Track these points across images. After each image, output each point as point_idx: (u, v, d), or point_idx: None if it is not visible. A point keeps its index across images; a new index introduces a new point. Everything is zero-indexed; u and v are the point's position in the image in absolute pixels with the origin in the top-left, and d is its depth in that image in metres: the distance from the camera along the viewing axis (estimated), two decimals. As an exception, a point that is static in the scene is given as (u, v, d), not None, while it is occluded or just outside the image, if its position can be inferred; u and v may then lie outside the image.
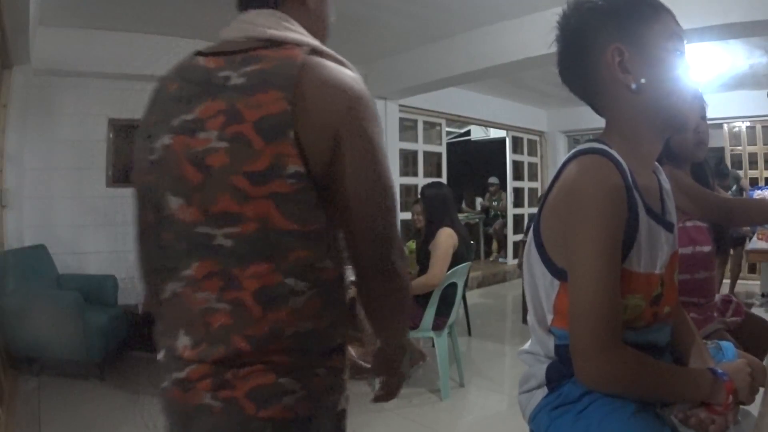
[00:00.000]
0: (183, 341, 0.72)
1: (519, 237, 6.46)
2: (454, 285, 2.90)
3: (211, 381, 0.69)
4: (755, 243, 3.02)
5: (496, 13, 3.68)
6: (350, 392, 0.81)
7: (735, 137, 6.24)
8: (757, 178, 6.04)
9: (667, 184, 0.93)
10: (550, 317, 0.85)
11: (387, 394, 0.95)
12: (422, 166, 6.04)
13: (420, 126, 6.01)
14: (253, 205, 0.66)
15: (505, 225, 7.46)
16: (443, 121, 6.35)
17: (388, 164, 0.73)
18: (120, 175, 4.11)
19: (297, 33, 0.74)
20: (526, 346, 0.95)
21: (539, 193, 7.49)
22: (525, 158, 7.56)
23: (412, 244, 3.75)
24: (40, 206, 3.74)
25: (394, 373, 0.92)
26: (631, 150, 0.83)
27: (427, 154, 6.21)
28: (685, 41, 0.83)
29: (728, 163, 6.13)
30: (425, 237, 3.01)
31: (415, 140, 5.98)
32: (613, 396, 0.78)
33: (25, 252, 3.38)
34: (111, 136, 4.07)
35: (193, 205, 0.69)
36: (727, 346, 0.97)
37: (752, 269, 5.84)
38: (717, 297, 1.62)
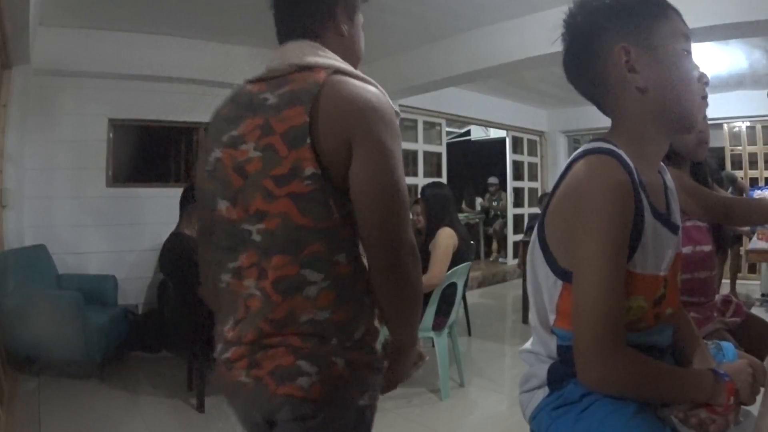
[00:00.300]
0: (229, 324, 0.85)
1: (519, 237, 6.45)
2: (454, 285, 2.90)
3: (246, 361, 0.81)
4: (755, 243, 3.00)
5: (496, 13, 3.68)
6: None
7: (735, 137, 6.24)
8: (757, 178, 6.03)
9: (672, 184, 0.92)
10: (552, 317, 0.85)
11: (388, 383, 0.96)
12: (422, 166, 6.05)
13: (420, 126, 6.01)
14: (277, 203, 0.78)
15: (505, 225, 7.46)
16: (443, 121, 6.35)
17: (402, 171, 0.81)
18: (120, 175, 4.12)
19: (326, 58, 0.85)
20: (528, 345, 0.94)
21: (539, 193, 7.48)
22: (525, 158, 7.56)
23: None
24: (40, 206, 3.73)
25: (401, 362, 0.94)
26: (637, 150, 0.82)
27: (427, 154, 6.21)
28: (697, 39, 0.82)
29: (728, 163, 6.14)
30: (425, 237, 3.01)
31: (415, 140, 5.98)
32: (614, 397, 0.77)
33: (25, 252, 3.38)
34: (111, 136, 4.07)
35: (237, 205, 0.83)
36: (728, 346, 0.97)
37: (752, 269, 5.85)
38: (717, 297, 1.62)
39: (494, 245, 7.86)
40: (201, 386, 2.68)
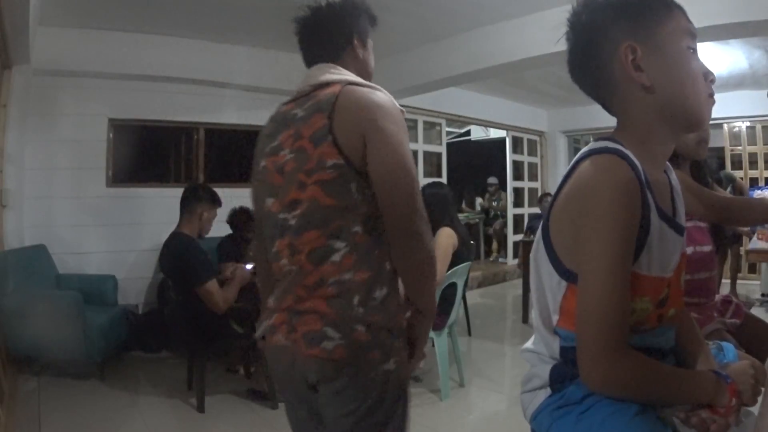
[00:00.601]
0: (272, 297, 1.04)
1: (519, 237, 6.46)
2: (454, 285, 2.90)
3: (285, 326, 0.98)
4: (755, 243, 3.00)
5: (496, 13, 3.68)
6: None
7: (735, 137, 6.24)
8: (756, 178, 6.03)
9: (677, 185, 0.91)
10: (555, 318, 0.84)
11: (413, 349, 1.03)
12: (422, 166, 6.04)
13: (420, 126, 6.01)
14: (307, 190, 0.97)
15: (505, 225, 7.46)
16: (443, 121, 6.35)
17: (409, 154, 0.98)
18: (120, 175, 4.12)
19: (341, 75, 1.05)
20: (529, 344, 0.94)
21: (539, 193, 7.47)
22: (525, 158, 7.55)
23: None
24: (40, 206, 3.73)
25: (422, 325, 1.04)
26: (643, 149, 0.81)
27: (427, 154, 6.21)
28: (697, 39, 0.81)
29: (728, 163, 6.14)
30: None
31: (415, 140, 5.98)
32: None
33: (25, 252, 3.38)
34: (111, 136, 4.08)
35: (278, 200, 1.02)
36: (728, 346, 0.97)
37: (752, 269, 5.85)
38: (717, 297, 1.62)
39: (494, 245, 7.85)
40: (201, 386, 2.67)
